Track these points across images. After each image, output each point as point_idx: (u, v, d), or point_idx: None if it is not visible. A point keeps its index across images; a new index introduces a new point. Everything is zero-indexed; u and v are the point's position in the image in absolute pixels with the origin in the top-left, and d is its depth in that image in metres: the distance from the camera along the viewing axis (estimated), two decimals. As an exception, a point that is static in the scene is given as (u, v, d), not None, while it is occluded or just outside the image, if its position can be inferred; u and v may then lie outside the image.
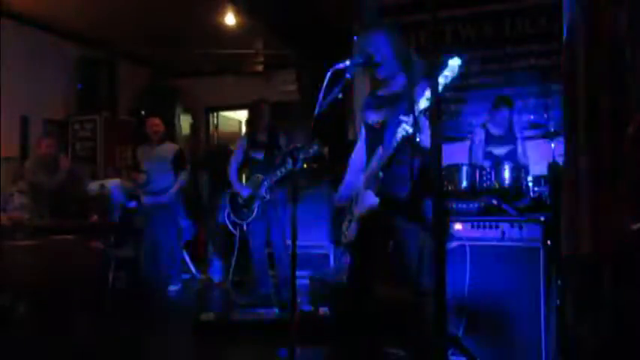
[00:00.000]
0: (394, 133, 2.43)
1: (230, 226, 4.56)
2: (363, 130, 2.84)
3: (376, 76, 2.66)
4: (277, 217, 4.45)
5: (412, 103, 2.34)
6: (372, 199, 2.57)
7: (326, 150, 4.26)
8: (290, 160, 4.07)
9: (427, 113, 2.43)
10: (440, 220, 1.70)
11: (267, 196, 4.40)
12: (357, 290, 2.81)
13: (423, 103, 2.34)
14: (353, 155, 2.91)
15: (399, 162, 2.56)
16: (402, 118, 2.40)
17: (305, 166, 4.27)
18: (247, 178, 4.62)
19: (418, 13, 4.98)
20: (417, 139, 2.40)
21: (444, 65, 2.29)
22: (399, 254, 2.63)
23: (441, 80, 2.31)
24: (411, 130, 2.36)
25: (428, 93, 2.29)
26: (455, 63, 2.30)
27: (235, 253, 4.70)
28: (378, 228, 2.67)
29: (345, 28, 5.38)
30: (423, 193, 2.54)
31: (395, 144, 2.44)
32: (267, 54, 6.68)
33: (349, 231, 2.76)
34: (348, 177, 2.85)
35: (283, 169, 4.34)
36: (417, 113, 2.35)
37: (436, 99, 1.74)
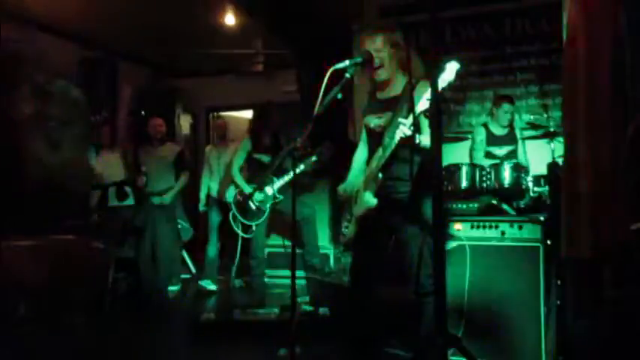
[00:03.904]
0: (393, 134, 2.44)
1: (235, 227, 4.55)
2: (365, 132, 2.85)
3: (375, 78, 2.66)
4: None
5: (411, 104, 2.35)
6: (370, 200, 2.58)
7: (331, 149, 4.29)
8: (292, 163, 4.08)
9: (427, 114, 2.44)
10: (440, 220, 1.70)
11: (280, 198, 4.41)
12: (357, 290, 2.81)
13: (422, 105, 2.34)
14: (355, 155, 2.92)
15: (399, 162, 2.56)
16: (401, 120, 2.40)
17: (308, 167, 4.27)
18: (251, 180, 4.61)
19: (418, 13, 4.98)
20: (417, 140, 2.40)
21: (441, 69, 2.29)
22: (399, 254, 2.64)
23: (439, 84, 2.30)
24: (409, 132, 2.36)
25: (427, 94, 2.29)
26: (453, 67, 2.30)
27: (239, 253, 4.70)
28: (377, 228, 2.67)
29: (345, 28, 5.38)
30: (423, 193, 2.55)
31: (393, 145, 2.45)
32: (267, 54, 6.68)
33: (348, 231, 2.77)
34: (351, 175, 2.86)
35: (286, 177, 4.37)
36: (416, 114, 2.35)
37: (436, 99, 1.75)
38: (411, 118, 2.35)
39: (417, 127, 2.39)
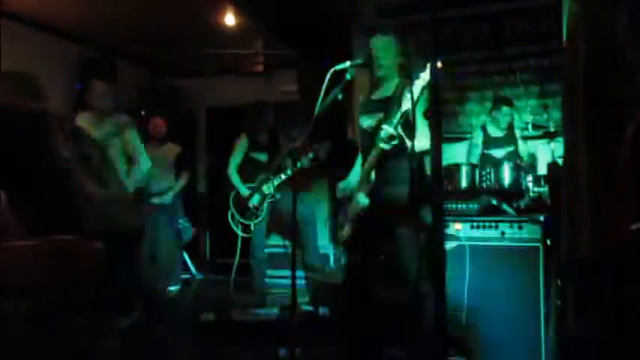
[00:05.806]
0: (381, 135, 2.45)
1: (234, 227, 4.56)
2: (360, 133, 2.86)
3: (375, 75, 2.66)
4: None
5: (399, 105, 2.36)
6: (363, 200, 2.58)
7: (328, 147, 4.29)
8: (290, 162, 4.11)
9: (425, 114, 2.44)
10: (440, 221, 1.70)
11: (277, 197, 4.43)
12: (356, 290, 2.81)
13: (405, 105, 2.35)
14: (359, 155, 2.93)
15: (392, 164, 2.56)
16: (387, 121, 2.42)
17: (305, 164, 4.28)
18: (249, 179, 4.62)
19: (418, 13, 4.97)
20: (409, 144, 2.40)
21: (421, 70, 2.30)
22: (397, 254, 2.63)
23: (415, 90, 2.31)
24: (392, 131, 2.37)
25: (409, 95, 2.30)
26: (426, 75, 2.30)
27: (238, 253, 4.71)
28: (373, 228, 2.67)
29: (345, 28, 5.37)
30: (418, 194, 2.54)
31: (380, 146, 2.45)
32: (267, 54, 6.68)
33: (344, 232, 2.78)
34: (352, 175, 2.87)
35: (283, 175, 4.39)
36: (400, 114, 2.36)
37: (435, 100, 1.74)
38: (396, 118, 2.36)
39: (408, 128, 2.39)
